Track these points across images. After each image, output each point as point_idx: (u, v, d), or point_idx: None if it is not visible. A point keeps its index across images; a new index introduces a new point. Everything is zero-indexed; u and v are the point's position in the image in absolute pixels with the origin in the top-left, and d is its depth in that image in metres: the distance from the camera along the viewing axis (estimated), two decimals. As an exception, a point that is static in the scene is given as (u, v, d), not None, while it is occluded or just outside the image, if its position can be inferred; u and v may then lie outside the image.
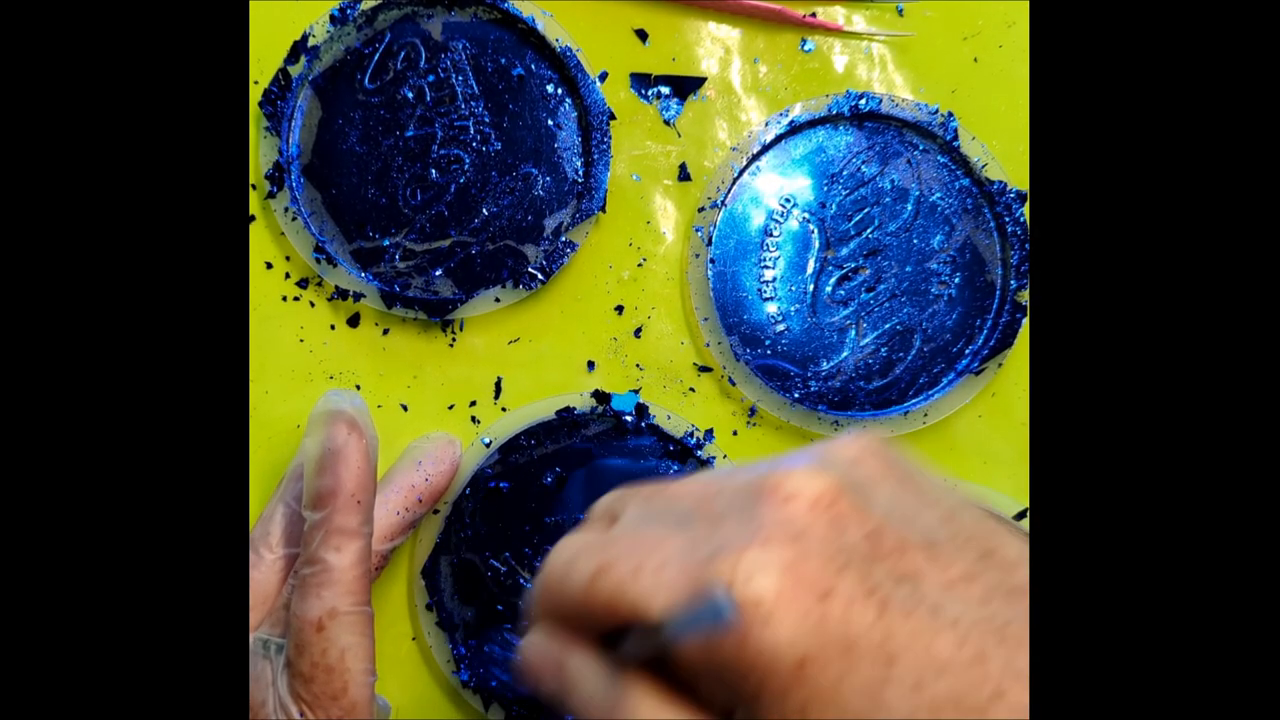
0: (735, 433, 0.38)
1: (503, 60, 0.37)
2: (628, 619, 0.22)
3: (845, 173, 0.38)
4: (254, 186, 0.37)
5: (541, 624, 0.25)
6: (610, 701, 0.22)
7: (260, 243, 0.37)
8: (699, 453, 0.37)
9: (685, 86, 0.38)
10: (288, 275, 0.37)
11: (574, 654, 0.24)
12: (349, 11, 0.37)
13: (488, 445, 0.37)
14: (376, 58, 0.37)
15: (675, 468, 0.37)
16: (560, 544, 0.25)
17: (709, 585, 0.20)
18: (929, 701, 0.19)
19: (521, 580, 0.37)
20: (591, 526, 0.26)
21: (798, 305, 0.38)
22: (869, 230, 0.38)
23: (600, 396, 0.37)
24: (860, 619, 0.20)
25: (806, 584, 0.20)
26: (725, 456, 0.37)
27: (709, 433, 0.38)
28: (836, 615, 0.20)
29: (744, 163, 0.38)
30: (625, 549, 0.23)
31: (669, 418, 0.37)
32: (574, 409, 0.37)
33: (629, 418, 0.37)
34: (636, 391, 0.38)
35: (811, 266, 0.38)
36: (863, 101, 0.38)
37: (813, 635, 0.20)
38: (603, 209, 0.37)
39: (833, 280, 0.38)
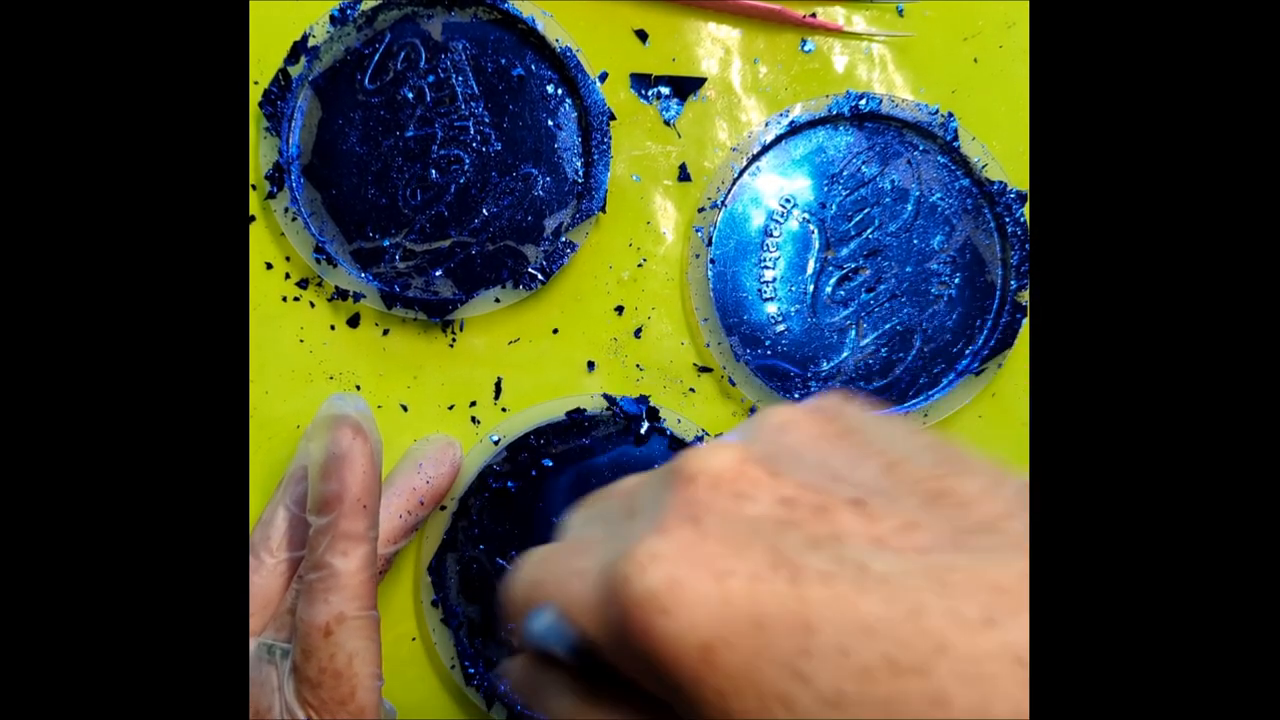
0: (735, 433, 0.38)
1: (503, 60, 0.37)
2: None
3: (845, 173, 0.38)
4: (254, 187, 0.37)
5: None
6: (566, 710, 0.22)
7: (260, 243, 0.37)
8: None
9: (685, 87, 0.38)
10: (288, 275, 0.38)
11: (538, 672, 0.24)
12: (349, 12, 0.37)
13: (496, 443, 0.37)
14: (376, 58, 0.37)
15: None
16: (518, 561, 0.25)
17: (628, 595, 0.20)
18: (858, 667, 0.18)
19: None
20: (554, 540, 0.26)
21: (798, 305, 0.38)
22: (869, 230, 0.38)
23: (611, 399, 0.37)
24: (769, 593, 0.18)
25: (703, 566, 0.19)
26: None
27: (719, 437, 0.38)
28: (740, 594, 0.18)
29: (744, 163, 0.38)
30: (559, 559, 0.22)
31: (680, 421, 0.37)
32: (584, 410, 0.37)
33: (643, 421, 0.37)
34: (645, 398, 0.38)
35: (811, 267, 0.38)
36: (863, 102, 0.38)
37: (714, 619, 0.18)
38: (603, 209, 0.37)
39: (833, 280, 0.38)
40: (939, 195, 0.38)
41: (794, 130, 0.38)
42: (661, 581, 0.19)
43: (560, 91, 0.38)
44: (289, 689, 0.30)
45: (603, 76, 0.38)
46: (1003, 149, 0.38)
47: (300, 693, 0.30)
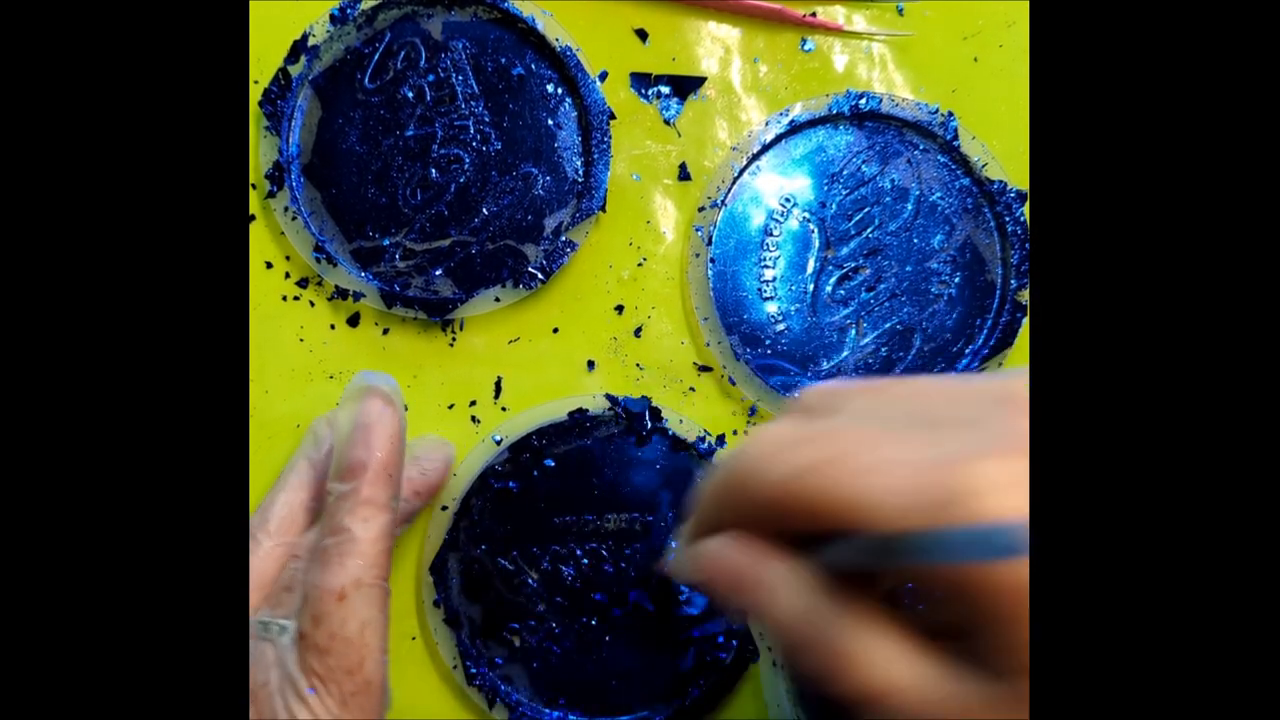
0: (736, 432, 0.38)
1: (503, 60, 0.37)
2: (841, 522, 0.20)
3: (845, 172, 0.38)
4: (254, 186, 0.37)
5: (724, 524, 0.23)
6: (823, 625, 0.20)
7: (260, 242, 0.37)
8: (711, 458, 0.37)
9: (685, 86, 0.38)
10: (288, 275, 0.38)
11: (769, 562, 0.22)
12: (349, 11, 0.37)
13: (499, 443, 0.37)
14: (376, 57, 0.37)
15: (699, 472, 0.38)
16: (758, 434, 0.22)
17: (975, 509, 0.18)
18: None
19: (529, 580, 0.37)
20: (796, 418, 0.24)
21: (798, 305, 0.38)
22: (869, 230, 0.38)
23: (614, 399, 0.37)
24: None
25: None
26: (725, 456, 0.37)
27: (720, 438, 0.37)
28: None
29: (744, 162, 0.38)
30: (846, 444, 0.20)
31: (681, 421, 0.37)
32: (587, 410, 0.37)
33: (646, 421, 0.37)
34: (647, 399, 0.38)
35: (811, 266, 0.38)
36: (863, 101, 0.38)
37: None
38: (603, 208, 0.37)
39: (833, 280, 0.38)
40: (939, 194, 0.38)
41: (794, 129, 0.38)
42: (1015, 509, 0.18)
43: (560, 91, 0.38)
44: (291, 659, 0.29)
45: (603, 76, 0.38)
46: (1003, 148, 0.38)
47: (305, 660, 0.29)
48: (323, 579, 0.30)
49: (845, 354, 0.38)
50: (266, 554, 0.32)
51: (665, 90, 0.38)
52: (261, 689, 0.29)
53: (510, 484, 0.37)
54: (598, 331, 0.38)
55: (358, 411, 0.31)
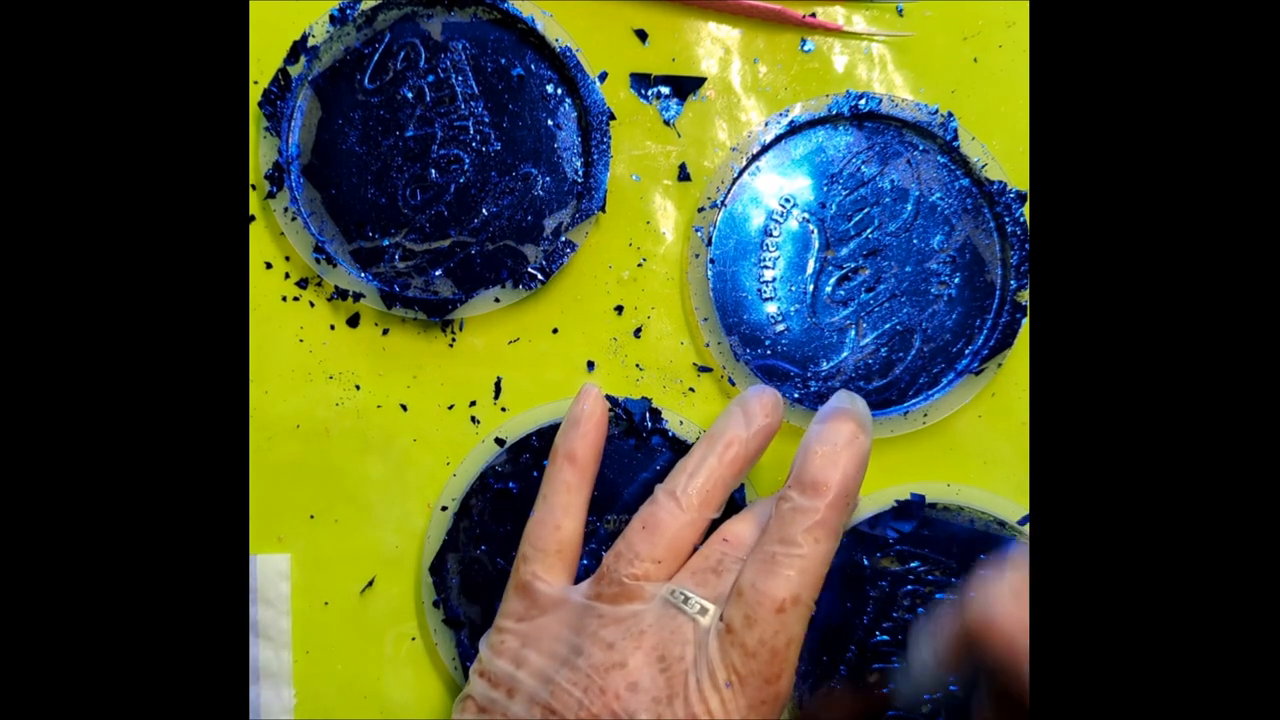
0: (735, 433, 0.38)
1: (503, 60, 0.37)
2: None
3: (845, 173, 0.38)
4: (254, 186, 0.37)
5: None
6: None
7: (260, 243, 0.37)
8: None
9: (685, 86, 0.38)
10: (288, 275, 0.38)
11: None
12: (349, 11, 0.37)
13: (500, 444, 0.37)
14: (376, 58, 0.37)
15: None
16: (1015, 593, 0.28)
17: None
18: None
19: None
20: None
21: (798, 305, 0.38)
22: (869, 230, 0.38)
23: (614, 399, 0.37)
24: None
25: None
26: (725, 456, 0.37)
27: None
28: None
29: (744, 163, 0.38)
30: None
31: (681, 422, 0.37)
32: None
33: (647, 421, 0.37)
34: (648, 400, 0.38)
35: (811, 266, 0.38)
36: (863, 101, 0.38)
37: None
38: (603, 209, 0.37)
39: (833, 280, 0.38)
40: (939, 195, 0.38)
41: (794, 130, 0.38)
42: None
43: (560, 91, 0.38)
44: (713, 647, 0.30)
45: (602, 76, 0.38)
46: (1003, 149, 0.38)
47: (728, 656, 0.29)
48: (766, 585, 0.30)
49: (845, 354, 0.38)
50: (686, 524, 0.32)
51: (665, 91, 0.38)
52: (677, 662, 0.30)
53: (510, 484, 0.37)
54: (597, 332, 0.38)
55: (833, 431, 0.31)
